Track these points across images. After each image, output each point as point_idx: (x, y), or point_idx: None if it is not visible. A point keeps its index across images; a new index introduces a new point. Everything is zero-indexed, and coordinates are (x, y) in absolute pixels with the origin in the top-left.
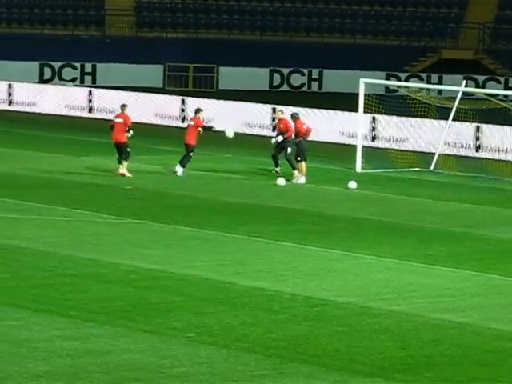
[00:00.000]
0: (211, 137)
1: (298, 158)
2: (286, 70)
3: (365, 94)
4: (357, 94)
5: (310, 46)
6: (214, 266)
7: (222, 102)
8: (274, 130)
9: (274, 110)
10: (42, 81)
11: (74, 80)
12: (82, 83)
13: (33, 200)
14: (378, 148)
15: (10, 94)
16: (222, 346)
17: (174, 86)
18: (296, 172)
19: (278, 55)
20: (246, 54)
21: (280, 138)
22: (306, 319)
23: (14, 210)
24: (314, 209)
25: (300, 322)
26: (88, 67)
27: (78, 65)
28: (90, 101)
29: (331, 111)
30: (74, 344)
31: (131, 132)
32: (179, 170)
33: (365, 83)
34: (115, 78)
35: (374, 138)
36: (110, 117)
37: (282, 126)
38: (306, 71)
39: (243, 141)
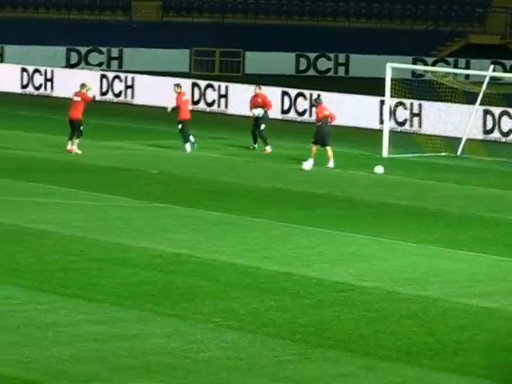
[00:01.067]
0: (236, 121)
1: (313, 140)
2: (312, 55)
3: (391, 79)
4: (383, 79)
5: (337, 30)
6: (240, 250)
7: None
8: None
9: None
10: (69, 65)
11: (100, 65)
12: (108, 68)
13: (60, 184)
14: (404, 132)
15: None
16: (248, 331)
17: (200, 70)
18: (268, 148)
19: (304, 40)
20: (272, 38)
21: (261, 112)
22: (333, 304)
23: (43, 194)
24: (341, 193)
25: (327, 307)
26: (115, 52)
27: (104, 49)
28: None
29: (358, 96)
30: (100, 328)
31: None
32: (187, 147)
33: (392, 68)
34: (142, 62)
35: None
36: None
37: (259, 100)
38: (332, 56)
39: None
